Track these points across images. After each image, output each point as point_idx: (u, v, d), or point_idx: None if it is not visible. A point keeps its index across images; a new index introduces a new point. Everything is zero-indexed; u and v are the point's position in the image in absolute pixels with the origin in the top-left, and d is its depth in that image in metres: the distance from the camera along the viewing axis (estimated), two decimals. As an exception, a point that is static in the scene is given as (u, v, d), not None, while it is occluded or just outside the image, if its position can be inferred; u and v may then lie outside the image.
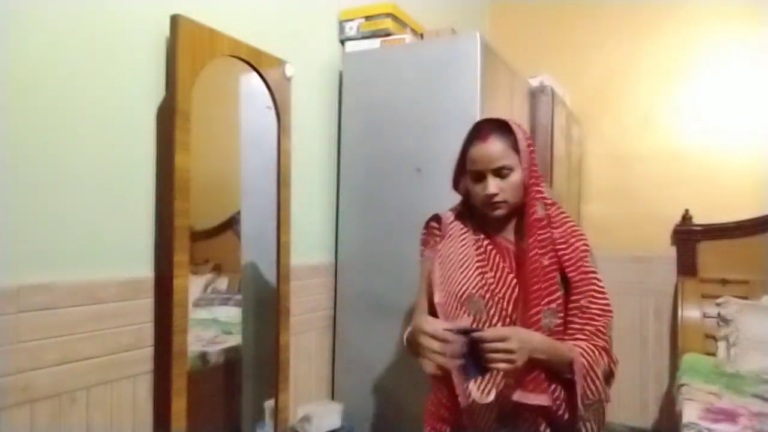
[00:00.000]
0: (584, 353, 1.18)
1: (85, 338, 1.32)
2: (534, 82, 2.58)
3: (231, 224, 1.78)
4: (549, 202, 1.31)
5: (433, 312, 1.31)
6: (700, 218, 3.05)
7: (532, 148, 1.29)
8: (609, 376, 1.24)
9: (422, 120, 1.98)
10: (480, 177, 1.27)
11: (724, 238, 2.95)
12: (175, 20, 1.46)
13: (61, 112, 1.28)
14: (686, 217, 3.08)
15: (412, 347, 1.21)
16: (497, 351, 1.07)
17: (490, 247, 1.31)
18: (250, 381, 1.81)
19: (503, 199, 1.26)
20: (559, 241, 1.27)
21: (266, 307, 1.83)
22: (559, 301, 1.23)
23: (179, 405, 1.45)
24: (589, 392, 1.17)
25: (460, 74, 1.92)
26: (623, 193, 3.29)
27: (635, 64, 3.26)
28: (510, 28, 3.59)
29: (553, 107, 2.58)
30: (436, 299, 1.29)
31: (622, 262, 3.26)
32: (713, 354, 2.68)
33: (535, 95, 2.56)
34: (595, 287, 1.26)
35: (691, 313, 2.89)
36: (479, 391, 1.18)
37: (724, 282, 2.90)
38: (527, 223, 1.27)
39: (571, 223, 1.31)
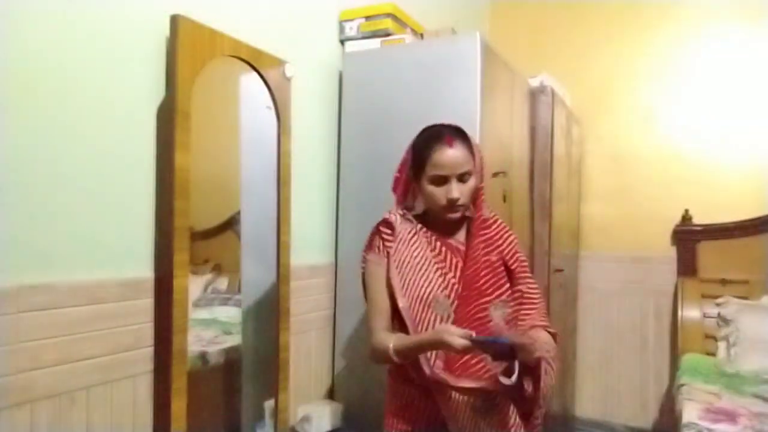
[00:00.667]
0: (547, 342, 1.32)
1: (85, 338, 1.32)
2: (534, 82, 2.58)
3: (231, 224, 1.78)
4: (486, 203, 1.42)
5: (397, 316, 1.33)
6: (700, 218, 3.05)
7: (481, 154, 1.38)
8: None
9: (422, 120, 1.95)
10: (443, 181, 1.32)
11: (724, 238, 2.95)
12: (175, 20, 1.46)
13: (61, 112, 1.28)
14: (686, 217, 3.08)
15: (407, 356, 1.27)
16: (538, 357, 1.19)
17: (444, 249, 1.37)
18: (250, 381, 1.81)
19: (463, 203, 1.33)
20: (495, 237, 1.40)
21: (266, 307, 1.83)
22: (508, 293, 1.36)
23: (179, 405, 1.45)
24: (552, 374, 1.31)
25: (460, 74, 1.92)
26: (623, 193, 3.29)
27: (635, 64, 3.26)
28: (510, 28, 3.59)
29: (553, 107, 2.58)
30: (401, 304, 1.30)
31: (622, 262, 3.27)
32: (713, 354, 2.68)
33: (535, 95, 2.56)
34: (529, 273, 1.43)
35: (691, 313, 2.89)
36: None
37: (724, 282, 2.90)
38: (477, 224, 1.37)
39: (501, 221, 1.45)
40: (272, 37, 1.86)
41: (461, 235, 1.41)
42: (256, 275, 1.83)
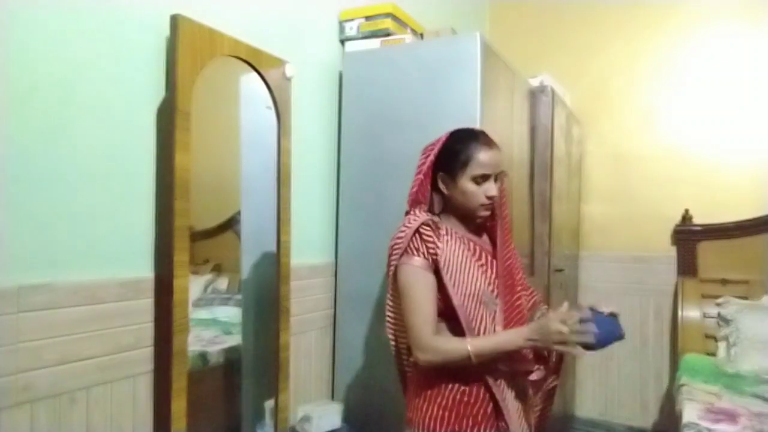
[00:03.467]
0: None
1: (85, 338, 1.32)
2: (534, 82, 2.58)
3: (231, 224, 1.78)
4: None
5: (443, 316, 1.35)
6: (700, 218, 3.05)
7: None
8: None
9: (422, 120, 1.98)
10: (484, 180, 1.37)
11: (724, 238, 2.95)
12: (175, 20, 1.46)
13: (61, 112, 1.28)
14: (686, 217, 3.08)
15: (488, 356, 1.30)
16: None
17: (479, 248, 1.42)
18: (250, 381, 1.81)
19: (494, 202, 1.40)
20: (510, 234, 1.52)
21: (266, 307, 1.83)
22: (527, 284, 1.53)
23: (179, 405, 1.45)
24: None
25: (460, 74, 1.92)
26: (623, 193, 3.29)
27: (635, 64, 3.26)
28: (510, 28, 3.59)
29: (553, 107, 2.58)
30: (456, 302, 1.33)
31: (622, 262, 3.27)
32: (713, 354, 2.68)
33: (535, 95, 2.56)
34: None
35: (691, 313, 2.89)
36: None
37: (724, 282, 2.90)
38: (506, 223, 1.47)
39: None
40: (272, 37, 1.86)
41: (485, 234, 1.49)
42: (256, 275, 1.83)
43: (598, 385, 3.31)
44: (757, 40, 2.99)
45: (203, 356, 1.67)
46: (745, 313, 2.64)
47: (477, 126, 1.85)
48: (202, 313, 1.70)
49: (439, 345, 1.31)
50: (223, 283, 1.79)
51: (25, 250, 1.22)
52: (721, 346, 2.65)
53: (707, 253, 3.00)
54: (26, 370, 1.21)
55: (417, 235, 1.35)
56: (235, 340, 1.77)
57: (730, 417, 1.96)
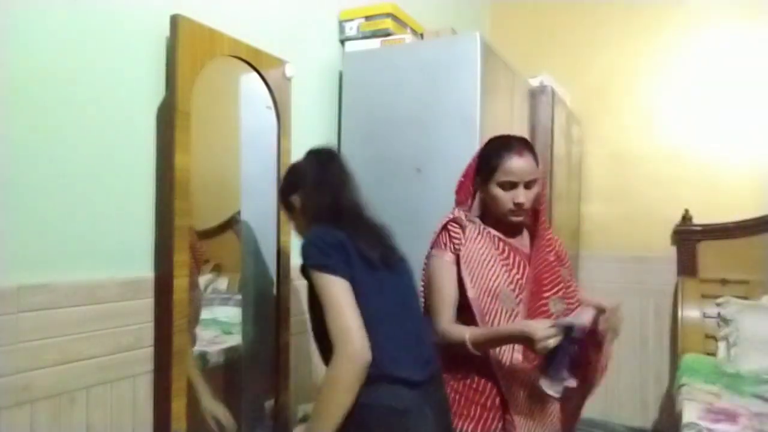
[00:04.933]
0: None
1: (85, 338, 1.32)
2: (534, 82, 2.58)
3: (231, 224, 1.78)
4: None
5: (463, 307, 1.44)
6: (700, 218, 3.05)
7: (542, 166, 1.52)
8: None
9: (422, 120, 1.98)
10: (511, 187, 1.43)
11: (724, 238, 2.95)
12: (175, 20, 1.46)
13: (61, 112, 1.28)
14: (686, 217, 3.08)
15: (483, 348, 1.37)
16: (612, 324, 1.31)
17: (507, 248, 1.48)
18: (250, 381, 1.81)
19: (527, 208, 1.46)
20: (553, 240, 1.57)
21: (266, 307, 1.83)
22: (565, 290, 1.50)
23: (179, 405, 1.45)
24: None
25: (460, 74, 1.92)
26: (623, 193, 3.29)
27: (635, 64, 3.26)
28: (510, 28, 3.59)
29: (553, 107, 2.58)
30: (471, 295, 1.41)
31: (622, 262, 3.27)
32: (713, 354, 2.68)
33: (535, 95, 2.56)
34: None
35: (691, 313, 2.89)
36: (550, 389, 1.32)
37: (724, 282, 2.90)
38: (540, 228, 1.52)
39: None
40: (272, 37, 1.86)
41: (523, 238, 1.55)
42: (256, 275, 1.83)
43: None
44: (757, 40, 2.99)
45: (203, 356, 1.67)
46: (745, 313, 2.64)
47: (477, 125, 1.87)
48: (203, 313, 1.70)
49: (446, 328, 1.41)
50: (223, 283, 1.79)
51: (25, 250, 1.22)
52: (721, 346, 2.65)
53: (707, 253, 3.00)
54: (26, 370, 1.21)
55: (444, 231, 1.49)
56: (235, 340, 1.76)
57: (730, 417, 1.97)
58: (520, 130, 2.39)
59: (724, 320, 2.70)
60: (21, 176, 1.21)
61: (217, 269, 1.77)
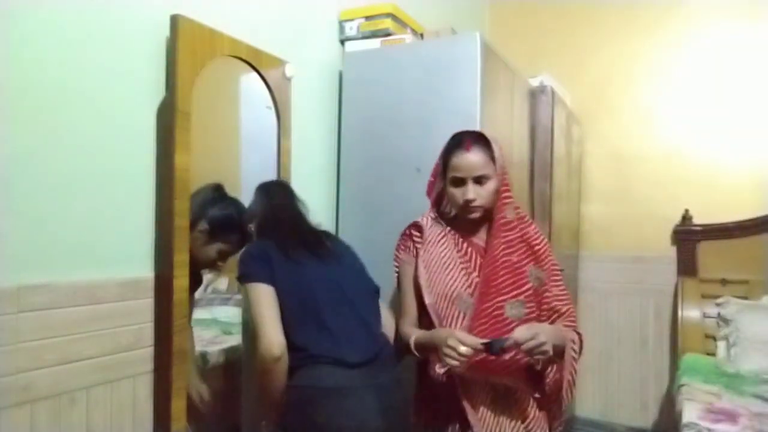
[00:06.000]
0: (573, 339, 1.39)
1: (85, 338, 1.32)
2: (534, 82, 2.58)
3: (231, 224, 1.77)
4: (517, 206, 1.49)
5: (423, 312, 1.45)
6: (700, 218, 3.05)
7: (504, 159, 1.45)
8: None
9: (422, 120, 1.98)
10: (460, 183, 1.41)
11: (724, 238, 2.95)
12: (175, 20, 1.46)
13: (61, 112, 1.28)
14: (686, 217, 3.08)
15: (424, 351, 1.39)
16: (533, 348, 1.22)
17: (470, 249, 1.46)
18: (250, 381, 1.81)
19: (480, 204, 1.41)
20: (517, 239, 1.44)
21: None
22: (528, 293, 1.39)
23: (179, 405, 1.45)
24: (573, 370, 1.37)
25: (460, 74, 1.92)
26: (623, 193, 3.29)
27: (635, 64, 3.26)
28: (510, 28, 3.59)
29: (553, 107, 2.58)
30: (427, 300, 1.42)
31: (622, 262, 3.27)
32: (713, 354, 2.68)
33: (535, 95, 2.56)
34: (558, 277, 1.49)
35: (691, 313, 2.89)
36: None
37: (724, 282, 2.90)
38: (497, 225, 1.43)
39: (529, 224, 1.51)
40: (272, 37, 1.86)
41: (484, 235, 1.49)
42: (256, 275, 1.82)
43: (598, 385, 3.31)
44: (756, 40, 2.99)
45: (203, 356, 1.67)
46: (745, 313, 2.64)
47: (477, 125, 1.86)
48: (202, 313, 1.70)
49: (403, 331, 1.48)
50: (223, 283, 1.79)
51: (25, 250, 1.22)
52: (721, 346, 2.65)
53: (707, 253, 3.00)
54: (26, 370, 1.21)
55: (405, 235, 1.54)
56: (235, 340, 1.77)
57: (730, 417, 1.97)
58: (520, 130, 2.39)
59: (724, 320, 2.70)
60: (21, 176, 1.21)
61: (217, 269, 1.77)
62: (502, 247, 1.41)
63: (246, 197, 1.77)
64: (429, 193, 1.55)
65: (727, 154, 3.03)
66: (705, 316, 2.86)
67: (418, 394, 1.52)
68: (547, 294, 1.44)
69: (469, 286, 1.40)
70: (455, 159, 1.41)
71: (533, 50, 3.40)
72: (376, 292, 1.59)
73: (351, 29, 2.22)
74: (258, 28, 1.82)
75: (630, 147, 3.27)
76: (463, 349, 1.22)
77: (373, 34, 2.17)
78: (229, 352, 1.75)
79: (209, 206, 1.59)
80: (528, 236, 1.46)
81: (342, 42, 2.24)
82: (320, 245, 1.54)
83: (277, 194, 1.61)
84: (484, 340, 1.25)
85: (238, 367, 1.77)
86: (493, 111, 2.03)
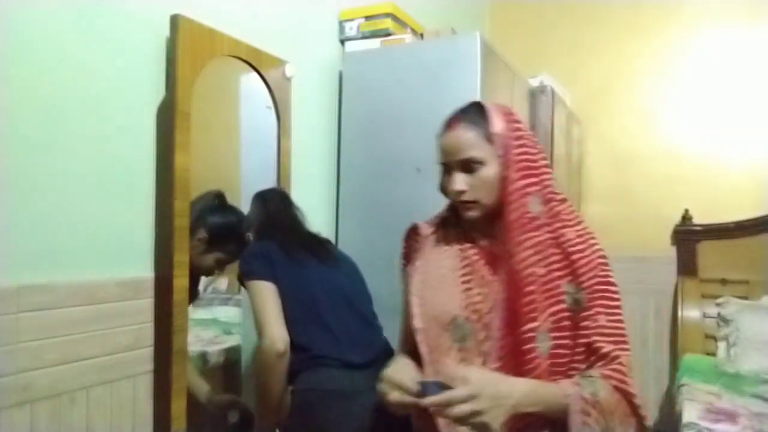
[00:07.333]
0: (586, 400, 0.96)
1: (85, 338, 1.32)
2: (534, 82, 2.58)
3: (231, 224, 1.78)
4: (556, 197, 1.06)
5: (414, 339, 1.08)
6: (700, 218, 3.05)
7: (519, 134, 1.04)
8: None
9: (422, 120, 1.98)
10: (447, 171, 1.07)
11: (724, 238, 2.95)
12: (175, 20, 1.46)
13: (61, 112, 1.28)
14: (686, 217, 3.08)
15: None
16: (462, 418, 0.86)
17: (476, 258, 1.07)
18: (250, 381, 1.81)
19: (473, 198, 1.03)
20: (572, 241, 1.04)
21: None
22: (555, 317, 0.99)
23: (179, 405, 1.45)
24: None
25: (460, 74, 1.92)
26: (623, 193, 3.29)
27: (635, 64, 3.26)
28: (510, 28, 3.59)
29: (553, 107, 2.58)
30: (415, 325, 1.05)
31: (622, 262, 3.23)
32: (713, 354, 2.68)
33: (535, 95, 2.56)
34: (604, 301, 1.01)
35: (691, 313, 2.89)
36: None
37: (724, 282, 2.90)
38: (506, 223, 1.01)
39: (572, 221, 1.08)
40: (272, 37, 1.86)
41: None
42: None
43: (598, 385, 3.30)
44: (757, 40, 2.99)
45: (203, 356, 1.67)
46: (745, 313, 2.64)
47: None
48: (202, 313, 1.70)
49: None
50: (223, 283, 1.79)
51: (25, 250, 1.22)
52: (721, 346, 2.65)
53: (707, 253, 3.00)
54: (26, 370, 1.20)
55: (406, 241, 1.22)
56: (235, 340, 1.77)
57: (730, 417, 1.96)
58: (520, 130, 2.39)
59: (724, 320, 2.70)
60: (21, 176, 1.21)
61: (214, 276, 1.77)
62: (528, 253, 1.00)
63: (246, 198, 1.77)
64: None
65: (727, 154, 3.03)
66: (705, 316, 2.86)
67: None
68: (587, 324, 0.99)
69: (467, 308, 1.03)
70: (440, 139, 1.07)
71: (533, 50, 3.40)
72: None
73: (351, 29, 2.22)
74: (258, 28, 1.82)
75: (630, 147, 3.27)
76: (391, 397, 0.94)
77: (373, 34, 2.17)
78: (229, 352, 1.75)
79: (209, 214, 1.59)
80: (563, 239, 1.03)
81: (342, 42, 2.24)
82: (320, 248, 1.55)
83: (274, 201, 1.63)
84: (425, 380, 0.94)
85: (238, 367, 1.77)
86: (493, 111, 2.03)
